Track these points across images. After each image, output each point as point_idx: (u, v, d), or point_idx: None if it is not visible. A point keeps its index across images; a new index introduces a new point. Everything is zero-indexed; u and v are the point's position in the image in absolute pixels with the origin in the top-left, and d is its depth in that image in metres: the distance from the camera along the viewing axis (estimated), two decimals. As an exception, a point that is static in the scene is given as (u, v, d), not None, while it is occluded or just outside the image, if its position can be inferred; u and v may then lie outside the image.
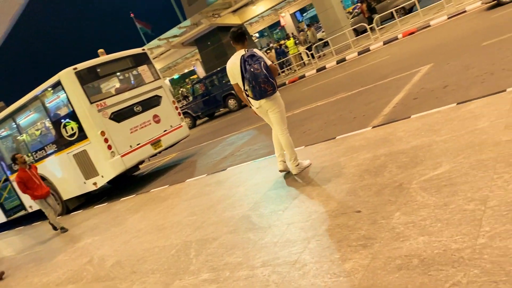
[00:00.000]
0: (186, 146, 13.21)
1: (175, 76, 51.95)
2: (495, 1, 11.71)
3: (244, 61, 4.59)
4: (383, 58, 12.50)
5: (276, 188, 4.87)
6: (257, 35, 47.67)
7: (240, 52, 4.71)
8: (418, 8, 16.44)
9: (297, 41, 21.48)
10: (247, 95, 4.82)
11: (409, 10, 21.12)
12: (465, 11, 13.82)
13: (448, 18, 14.19)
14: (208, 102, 18.59)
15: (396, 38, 15.47)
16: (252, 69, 4.48)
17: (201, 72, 42.36)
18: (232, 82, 4.99)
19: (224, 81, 17.85)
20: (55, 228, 8.05)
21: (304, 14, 62.78)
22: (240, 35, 4.76)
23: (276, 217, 3.99)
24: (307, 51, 20.46)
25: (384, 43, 15.75)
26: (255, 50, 4.75)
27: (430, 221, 2.76)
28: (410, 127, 4.74)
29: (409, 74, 8.44)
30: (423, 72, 8.07)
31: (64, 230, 7.78)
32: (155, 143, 9.70)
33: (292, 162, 4.97)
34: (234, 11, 23.31)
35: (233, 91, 17.37)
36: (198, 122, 20.15)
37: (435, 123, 4.49)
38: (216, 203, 5.36)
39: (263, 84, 4.50)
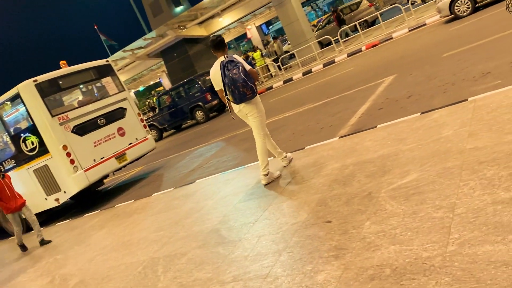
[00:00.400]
0: (153, 159, 12.95)
1: (140, 88, 51.27)
2: (453, 15, 12.21)
3: (223, 66, 4.74)
4: (348, 70, 12.74)
5: (245, 200, 4.80)
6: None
7: (221, 59, 4.84)
8: (381, 21, 16.93)
9: (263, 53, 21.64)
10: (228, 100, 4.92)
11: (372, 23, 21.75)
12: (425, 24, 14.34)
13: (409, 30, 14.67)
14: (175, 114, 18.36)
15: (360, 50, 15.83)
16: (230, 74, 4.64)
17: (167, 84, 41.97)
18: (216, 89, 5.08)
19: (191, 93, 17.71)
20: (23, 248, 7.45)
21: (270, 27, 63.62)
22: (219, 43, 4.89)
23: (246, 230, 3.91)
24: (273, 63, 20.64)
25: (348, 55, 16.08)
26: (235, 55, 4.90)
27: (400, 229, 2.76)
28: (376, 137, 4.80)
29: (374, 85, 8.62)
30: (387, 83, 8.26)
31: (24, 248, 7.39)
32: (120, 156, 9.45)
33: (262, 170, 4.99)
34: (200, 23, 23.28)
35: (200, 103, 17.27)
36: (165, 134, 19.86)
37: (401, 132, 4.56)
38: (184, 217, 5.23)
39: (241, 88, 4.65)
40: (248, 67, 4.82)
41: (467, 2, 11.77)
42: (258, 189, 4.97)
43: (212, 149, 10.24)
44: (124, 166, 9.76)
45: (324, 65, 16.60)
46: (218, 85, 4.98)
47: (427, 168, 3.42)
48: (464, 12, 11.88)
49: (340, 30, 19.05)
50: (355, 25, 19.83)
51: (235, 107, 5.02)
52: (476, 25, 9.98)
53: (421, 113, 4.92)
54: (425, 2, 20.47)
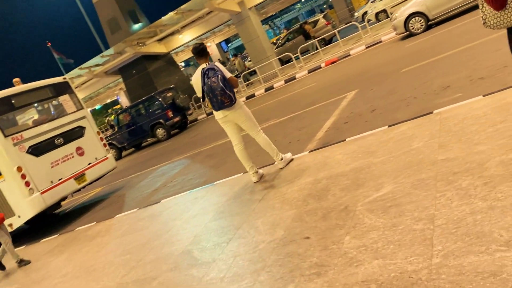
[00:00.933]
0: (113, 179, 12.50)
1: (97, 107, 49.88)
2: (408, 32, 12.72)
3: (203, 74, 4.83)
4: (310, 86, 12.92)
5: (216, 219, 4.65)
6: (182, 64, 47.51)
7: (202, 66, 4.93)
8: (339, 38, 17.38)
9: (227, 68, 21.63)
10: (206, 106, 4.92)
11: (329, 41, 22.34)
12: (381, 41, 14.85)
13: (366, 47, 15.13)
14: (135, 132, 17.91)
15: (319, 67, 16.14)
16: (209, 82, 4.73)
17: (125, 101, 41.09)
18: (198, 95, 5.12)
19: (151, 110, 17.36)
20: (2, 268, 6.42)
21: (229, 45, 64.11)
22: (202, 50, 5.01)
23: (220, 250, 3.77)
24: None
25: (309, 72, 16.35)
26: (216, 63, 5.00)
27: (382, 243, 2.72)
28: (346, 150, 4.82)
29: (337, 100, 8.75)
30: (349, 98, 8.40)
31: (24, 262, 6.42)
32: (79, 177, 9.04)
33: (276, 158, 5.28)
34: (160, 40, 23.03)
35: (161, 120, 16.95)
36: (124, 153, 19.30)
37: (370, 145, 4.59)
38: (151, 239, 5.00)
39: (219, 96, 4.75)
40: (228, 74, 4.93)
41: (421, 20, 12.31)
42: (229, 206, 4.84)
43: (175, 167, 10.01)
44: (84, 187, 9.34)
45: (286, 81, 16.79)
46: (199, 91, 5.05)
47: (401, 180, 3.43)
48: (418, 29, 12.41)
49: (306, 44, 19.51)
50: (314, 42, 20.36)
51: (217, 114, 5.09)
52: (430, 42, 10.41)
53: (389, 126, 4.99)
54: (380, 21, 21.33)
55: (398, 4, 19.52)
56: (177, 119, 17.25)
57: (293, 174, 4.88)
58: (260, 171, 5.48)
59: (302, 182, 4.48)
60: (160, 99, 17.16)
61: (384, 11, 22.13)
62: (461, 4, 11.64)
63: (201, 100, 5.13)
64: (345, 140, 5.25)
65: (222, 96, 4.75)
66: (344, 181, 3.95)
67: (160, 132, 17.41)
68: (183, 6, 20.18)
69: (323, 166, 4.67)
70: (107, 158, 9.91)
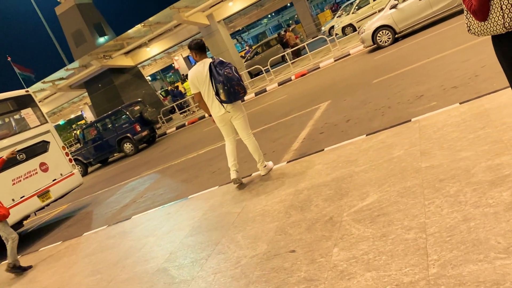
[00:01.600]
0: (79, 196, 11.98)
1: (61, 122, 48.40)
2: (375, 45, 12.96)
3: (214, 67, 4.83)
4: (281, 98, 12.90)
5: (193, 234, 4.43)
6: (149, 78, 46.81)
7: (207, 60, 4.93)
8: (308, 51, 17.53)
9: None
10: (219, 100, 4.92)
11: (297, 54, 22.56)
12: (349, 54, 15.06)
13: (335, 60, 15.31)
14: (101, 147, 17.36)
15: (289, 79, 16.19)
16: (225, 73, 4.74)
17: (89, 116, 40.06)
18: (193, 91, 5.12)
19: (118, 124, 16.90)
20: (19, 268, 5.93)
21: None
22: (202, 46, 5.02)
23: (198, 267, 3.56)
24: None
25: (279, 84, 16.38)
26: (220, 58, 5.04)
27: (373, 254, 2.60)
28: (326, 160, 4.72)
29: (310, 111, 8.72)
30: (322, 109, 8.39)
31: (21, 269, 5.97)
32: (43, 194, 8.58)
33: (260, 164, 5.28)
34: (127, 53, 22.58)
35: (128, 134, 16.52)
36: (90, 169, 18.66)
37: (350, 154, 4.51)
38: (123, 257, 4.71)
39: (236, 86, 4.77)
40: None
41: (388, 33, 12.58)
42: (206, 221, 4.63)
43: (145, 182, 9.68)
44: (48, 204, 8.87)
45: (256, 94, 16.75)
46: (196, 87, 5.03)
47: (386, 188, 3.35)
48: (385, 42, 12.67)
49: (276, 57, 19.63)
50: (283, 56, 20.52)
51: (220, 110, 5.02)
52: (398, 54, 10.61)
53: (367, 135, 4.94)
54: (346, 35, 21.74)
55: (364, 18, 20.01)
56: (145, 133, 16.87)
57: (273, 185, 4.74)
58: (270, 163, 5.46)
59: (282, 193, 4.34)
60: (127, 113, 16.75)
61: (351, 25, 22.57)
62: (426, 18, 11.99)
63: (198, 98, 5.11)
64: (323, 149, 5.16)
65: (238, 86, 4.79)
66: (327, 191, 3.84)
67: (127, 146, 16.95)
68: (151, 19, 19.91)
69: (303, 176, 4.55)
70: (73, 174, 9.48)
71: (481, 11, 2.48)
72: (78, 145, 17.92)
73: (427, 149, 3.69)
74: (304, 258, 2.92)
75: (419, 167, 3.43)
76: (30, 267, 6.01)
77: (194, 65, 5.18)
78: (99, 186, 12.57)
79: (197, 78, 4.97)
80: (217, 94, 4.92)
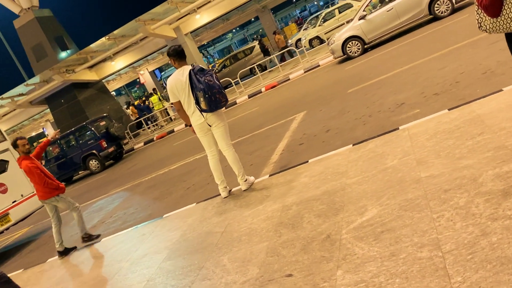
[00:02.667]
0: (42, 218, 11.20)
1: (21, 140, 46.35)
2: (345, 56, 12.97)
3: (194, 74, 4.55)
4: (253, 110, 12.65)
5: (172, 258, 4.04)
6: (114, 93, 45.67)
7: (187, 67, 4.64)
8: (277, 63, 17.45)
9: (160, 97, 20.95)
10: (200, 109, 4.64)
11: (265, 67, 22.51)
12: (319, 65, 15.04)
13: (305, 72, 15.25)
14: (65, 165, 16.51)
15: (260, 92, 16.00)
16: (206, 80, 4.48)
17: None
18: (172, 100, 4.83)
19: (83, 141, 16.16)
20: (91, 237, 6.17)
21: (162, 73, 63.20)
22: (180, 52, 4.74)
23: (182, 296, 3.18)
24: (173, 105, 19.99)
25: (249, 96, 16.15)
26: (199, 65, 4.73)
27: (384, 277, 2.32)
28: (312, 172, 4.46)
29: (285, 122, 8.49)
30: (298, 120, 8.17)
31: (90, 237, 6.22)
32: (2, 217, 7.94)
33: (241, 178, 4.98)
34: (91, 67, 21.83)
35: (94, 151, 15.81)
36: (53, 188, 17.71)
37: (338, 166, 4.27)
38: (94, 286, 4.25)
39: (218, 94, 4.52)
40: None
41: (358, 44, 12.62)
42: (186, 242, 4.24)
43: (114, 201, 9.13)
44: (7, 228, 8.19)
45: (226, 107, 16.43)
46: (175, 96, 4.74)
47: (386, 201, 3.10)
48: (355, 52, 12.70)
49: (245, 69, 19.46)
50: (251, 68, 20.43)
51: (197, 120, 4.77)
52: (369, 64, 10.60)
53: (353, 145, 4.72)
54: (313, 47, 21.87)
55: (331, 30, 20.21)
56: (111, 149, 16.19)
57: (257, 201, 4.42)
58: (251, 178, 5.16)
59: (268, 209, 4.03)
60: (92, 129, 16.05)
61: (318, 37, 22.75)
62: (395, 28, 12.11)
63: (177, 107, 4.80)
64: (307, 161, 4.90)
65: (220, 94, 4.54)
66: (319, 206, 3.56)
67: (93, 163, 16.20)
68: (115, 32, 19.35)
69: (289, 190, 4.26)
70: (35, 194, 8.80)
71: (493, 6, 2.28)
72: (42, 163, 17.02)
73: (423, 158, 3.49)
74: (304, 283, 2.61)
75: (419, 177, 3.21)
76: (99, 235, 6.18)
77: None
78: (63, 206, 11.83)
79: (176, 86, 4.67)
80: (197, 102, 4.62)
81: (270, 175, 5.13)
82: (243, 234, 3.76)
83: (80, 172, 17.42)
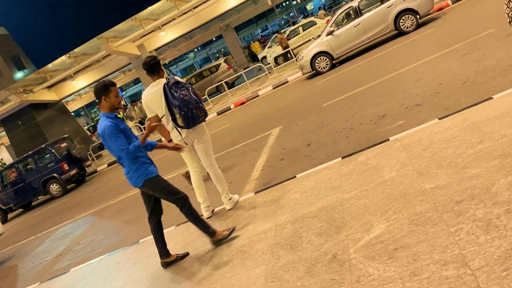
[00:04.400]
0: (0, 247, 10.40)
1: (-27, 165, 43.84)
2: (314, 71, 12.99)
3: (169, 89, 4.25)
4: (224, 126, 12.38)
5: (157, 287, 3.66)
6: (73, 114, 44.20)
7: (161, 81, 4.33)
8: (246, 79, 17.30)
9: (125, 115, 20.30)
10: (176, 125, 4.36)
11: (232, 84, 22.38)
12: (287, 81, 15.02)
13: (274, 88, 15.18)
14: (23, 190, 15.53)
15: (229, 108, 15.77)
16: (181, 96, 4.20)
17: (6, 157, 36.61)
18: (149, 115, 4.53)
19: (42, 164, 15.30)
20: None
21: (123, 92, 62.04)
22: (154, 65, 4.35)
23: (173, 332, 2.83)
24: (139, 125, 19.41)
25: (218, 114, 15.88)
26: (176, 77, 4.38)
27: (410, 300, 2.09)
28: (302, 187, 4.22)
29: (261, 138, 8.27)
30: (275, 135, 7.97)
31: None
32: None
33: (225, 197, 4.71)
34: (50, 87, 20.93)
35: (55, 174, 14.99)
36: (11, 215, 16.60)
37: (330, 180, 4.06)
38: (66, 324, 3.80)
39: (195, 110, 4.24)
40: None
41: (326, 59, 12.67)
42: (169, 270, 3.88)
43: (80, 227, 8.55)
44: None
45: (195, 125, 16.08)
46: (152, 111, 4.43)
47: (393, 216, 2.90)
48: (324, 68, 12.74)
49: (213, 86, 19.24)
50: (217, 86, 20.23)
51: (177, 137, 4.48)
52: (340, 78, 10.61)
53: (343, 158, 4.53)
54: (279, 64, 21.96)
55: (296, 48, 20.36)
56: (73, 172, 15.42)
57: (244, 220, 4.13)
58: (235, 196, 4.89)
59: (259, 229, 3.75)
60: (53, 151, 15.24)
61: (283, 55, 22.91)
62: (362, 43, 12.26)
63: (160, 120, 4.36)
64: (295, 176, 4.67)
65: (197, 109, 4.25)
66: (317, 224, 3.32)
67: (54, 188, 15.33)
68: (76, 50, 18.67)
69: (280, 208, 4.00)
70: (-9, 223, 8.12)
71: None
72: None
73: (424, 169, 3.33)
74: (317, 311, 2.34)
75: (423, 189, 3.03)
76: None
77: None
78: (23, 234, 11.03)
79: (151, 101, 4.38)
80: (173, 119, 4.34)
81: (255, 193, 4.86)
82: (235, 258, 3.45)
83: (39, 197, 16.45)
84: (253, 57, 21.99)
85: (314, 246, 3.01)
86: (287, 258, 3.04)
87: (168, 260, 3.92)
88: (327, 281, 2.56)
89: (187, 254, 3.98)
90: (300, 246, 3.11)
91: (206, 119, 4.47)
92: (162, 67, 4.50)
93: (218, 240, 3.85)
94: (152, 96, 4.35)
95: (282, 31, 22.24)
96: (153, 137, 16.24)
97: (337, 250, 2.83)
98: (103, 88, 3.60)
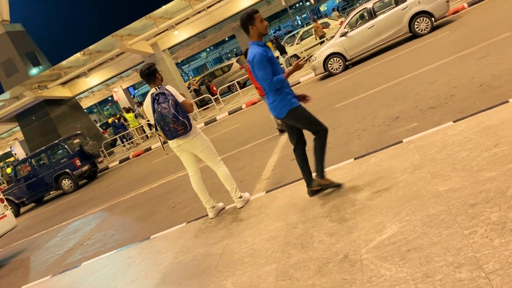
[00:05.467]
0: (12, 240, 10.54)
1: (-13, 159, 44.56)
2: (327, 72, 12.96)
3: (153, 100, 4.29)
4: (236, 126, 12.41)
5: (166, 283, 3.69)
6: (86, 111, 44.61)
7: (152, 91, 4.38)
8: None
9: (137, 114, 20.45)
10: (159, 135, 4.53)
11: (244, 84, 22.41)
12: (299, 82, 15.01)
13: (286, 88, 15.15)
14: (36, 185, 15.75)
15: (240, 108, 15.81)
16: (159, 109, 4.21)
17: (20, 152, 37.16)
18: (151, 122, 4.54)
19: (55, 159, 15.48)
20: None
21: (135, 91, 62.44)
22: (148, 75, 4.41)
23: (183, 327, 2.85)
24: (150, 122, 19.53)
25: (229, 113, 15.93)
26: (167, 86, 4.36)
27: (422, 301, 2.08)
28: (314, 187, 4.21)
29: (273, 138, 8.27)
30: (286, 135, 7.95)
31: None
32: (-32, 241, 7.30)
33: (235, 195, 4.69)
34: (64, 83, 21.16)
35: (67, 170, 15.16)
36: (23, 209, 16.84)
37: (342, 180, 4.04)
38: (77, 316, 3.85)
39: (171, 124, 4.21)
40: (181, 98, 4.34)
41: (339, 61, 12.63)
42: (180, 266, 3.90)
43: (91, 222, 8.63)
44: (-27, 254, 7.57)
45: (206, 124, 16.16)
46: (151, 118, 4.47)
47: (406, 217, 2.88)
48: (337, 69, 12.70)
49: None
50: (228, 86, 20.26)
51: (171, 143, 4.53)
52: (352, 80, 10.56)
53: (355, 159, 4.52)
54: (291, 65, 21.94)
55: (308, 49, 20.31)
56: (85, 168, 15.58)
57: (255, 219, 4.13)
58: (220, 204, 4.93)
59: (270, 228, 3.75)
60: (66, 147, 15.41)
61: (295, 55, 22.88)
62: (375, 45, 12.19)
63: (154, 128, 4.51)
64: (307, 176, 4.65)
65: (174, 123, 4.20)
66: (328, 224, 3.31)
67: (66, 183, 15.51)
68: (91, 47, 18.84)
69: (291, 207, 4.00)
70: (5, 216, 8.26)
71: None
72: (4, 186, 16.09)
73: (438, 171, 3.30)
74: (327, 310, 2.34)
75: (437, 191, 3.01)
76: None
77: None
78: (35, 228, 11.17)
79: (147, 109, 4.48)
80: (156, 130, 4.48)
81: (266, 192, 4.86)
82: (245, 255, 3.46)
83: (51, 192, 16.65)
84: (281, 50, 21.83)
85: (325, 246, 3.01)
86: (298, 257, 3.04)
87: (315, 188, 3.96)
88: (338, 281, 2.55)
89: (339, 184, 3.91)
90: (311, 245, 3.11)
91: (188, 131, 4.34)
92: (159, 74, 4.49)
93: (316, 191, 3.96)
94: (147, 104, 4.44)
95: (315, 21, 21.82)
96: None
97: (348, 250, 2.82)
98: (248, 18, 3.67)
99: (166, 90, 4.31)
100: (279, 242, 3.40)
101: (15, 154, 41.04)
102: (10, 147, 42.32)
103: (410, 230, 2.71)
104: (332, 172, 4.41)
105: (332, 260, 2.80)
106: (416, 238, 2.60)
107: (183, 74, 65.00)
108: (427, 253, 2.42)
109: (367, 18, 12.36)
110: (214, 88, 20.92)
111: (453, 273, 2.17)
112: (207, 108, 20.28)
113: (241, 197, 4.73)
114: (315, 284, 2.63)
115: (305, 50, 20.06)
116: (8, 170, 26.65)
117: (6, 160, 44.50)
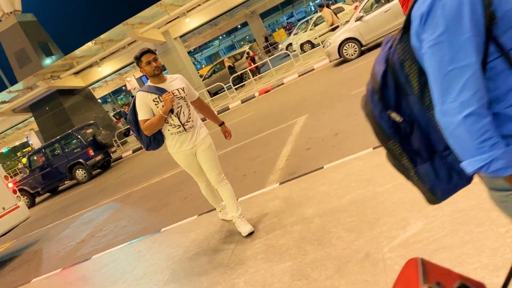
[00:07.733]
0: (26, 231, 10.56)
1: (4, 150, 45.23)
2: (342, 58, 12.61)
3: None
4: (248, 115, 12.19)
5: (176, 279, 3.54)
6: (100, 101, 44.87)
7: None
8: (271, 67, 17.05)
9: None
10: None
11: (258, 70, 22.12)
12: (313, 69, 14.67)
13: (299, 76, 14.87)
14: (50, 175, 15.82)
15: (253, 96, 15.56)
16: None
17: (36, 142, 37.53)
18: None
19: (69, 149, 15.50)
20: None
21: (148, 81, 62.37)
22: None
23: (193, 329, 2.68)
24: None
25: (242, 102, 15.70)
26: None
27: (456, 309, 1.86)
28: (331, 179, 4.00)
29: (286, 127, 8.04)
30: (301, 124, 7.73)
31: None
32: (-19, 233, 7.30)
33: (236, 213, 3.78)
34: (77, 73, 21.16)
35: (81, 160, 15.17)
36: (38, 199, 16.97)
37: (360, 172, 3.82)
38: (85, 313, 3.73)
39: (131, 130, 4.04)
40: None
41: (354, 46, 12.28)
42: (191, 261, 3.74)
43: (104, 213, 8.56)
44: (-13, 245, 7.57)
45: (219, 112, 15.93)
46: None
47: (432, 213, 2.65)
48: (352, 55, 12.34)
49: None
50: (241, 74, 19.98)
51: (186, 145, 4.16)
52: (368, 66, 10.15)
53: (374, 148, 4.28)
54: (305, 51, 21.57)
55: (322, 35, 19.89)
56: (99, 157, 15.56)
57: (270, 213, 3.94)
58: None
59: (285, 222, 3.56)
60: (79, 137, 15.40)
61: (309, 42, 22.48)
62: (392, 30, 11.78)
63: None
64: (323, 167, 4.44)
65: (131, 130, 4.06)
66: (347, 219, 3.10)
67: (80, 173, 15.54)
68: (102, 36, 18.74)
69: (307, 200, 3.79)
70: (18, 207, 8.22)
71: None
72: (19, 176, 16.21)
73: (466, 162, 3.05)
74: (348, 315, 2.15)
75: (466, 184, 2.77)
76: None
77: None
78: (49, 218, 11.19)
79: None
80: None
81: (280, 183, 4.66)
82: (258, 252, 3.28)
83: (66, 182, 16.73)
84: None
85: (344, 243, 2.81)
86: (314, 255, 2.84)
87: None
88: (359, 282, 2.35)
89: None
90: (328, 242, 2.91)
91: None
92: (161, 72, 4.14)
93: None
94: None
95: (321, 7, 21.09)
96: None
97: (369, 248, 2.61)
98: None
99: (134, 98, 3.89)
100: (294, 238, 3.21)
101: (32, 144, 41.57)
102: (27, 137, 42.86)
103: (437, 227, 2.49)
104: (351, 163, 4.19)
105: (352, 259, 2.59)
106: (445, 236, 2.38)
107: (195, 63, 64.82)
108: (458, 253, 2.20)
109: (383, 1, 11.96)
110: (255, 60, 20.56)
111: (490, 277, 1.95)
112: (243, 85, 19.85)
113: (241, 220, 3.79)
114: (334, 285, 2.43)
115: (319, 36, 19.66)
116: (24, 160, 26.94)
117: (23, 150, 45.16)
